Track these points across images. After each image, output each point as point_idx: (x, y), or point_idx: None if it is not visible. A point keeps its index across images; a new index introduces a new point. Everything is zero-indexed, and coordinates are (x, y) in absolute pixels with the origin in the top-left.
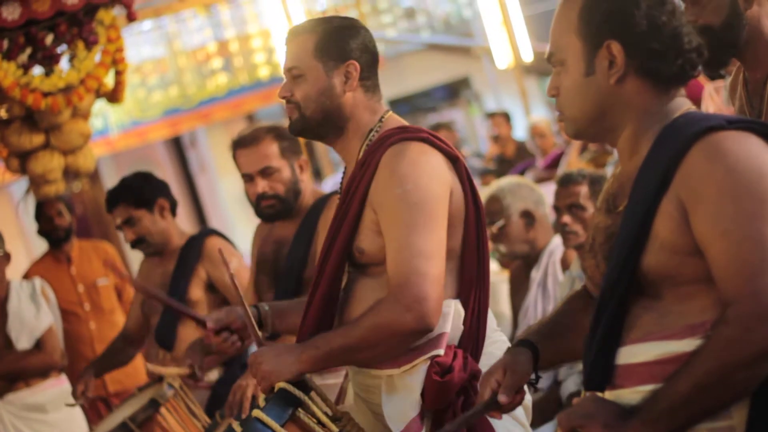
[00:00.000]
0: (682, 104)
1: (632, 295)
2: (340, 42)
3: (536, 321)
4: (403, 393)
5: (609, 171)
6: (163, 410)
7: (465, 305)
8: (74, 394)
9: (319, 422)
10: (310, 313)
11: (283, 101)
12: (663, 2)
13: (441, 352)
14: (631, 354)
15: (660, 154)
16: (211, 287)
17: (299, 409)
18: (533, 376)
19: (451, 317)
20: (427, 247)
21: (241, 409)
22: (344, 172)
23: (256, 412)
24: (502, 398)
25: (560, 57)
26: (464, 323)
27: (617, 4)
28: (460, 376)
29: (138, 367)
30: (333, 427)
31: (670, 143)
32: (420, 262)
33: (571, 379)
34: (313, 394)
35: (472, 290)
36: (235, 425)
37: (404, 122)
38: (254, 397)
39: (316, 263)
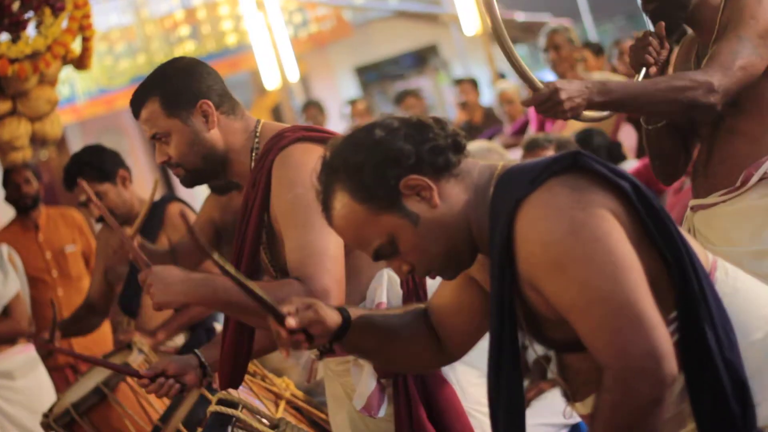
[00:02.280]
0: (481, 172)
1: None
2: (184, 89)
3: None
4: (365, 370)
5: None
6: None
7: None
8: (38, 345)
9: None
10: (230, 328)
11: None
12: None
13: None
14: (587, 407)
15: (494, 241)
16: (171, 250)
17: (236, 426)
18: (327, 344)
19: (385, 287)
20: (326, 244)
21: (213, 380)
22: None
23: None
24: (291, 321)
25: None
26: (402, 287)
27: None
28: None
29: (106, 335)
30: None
31: (496, 229)
32: (320, 258)
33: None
34: (243, 410)
35: None
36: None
37: (279, 126)
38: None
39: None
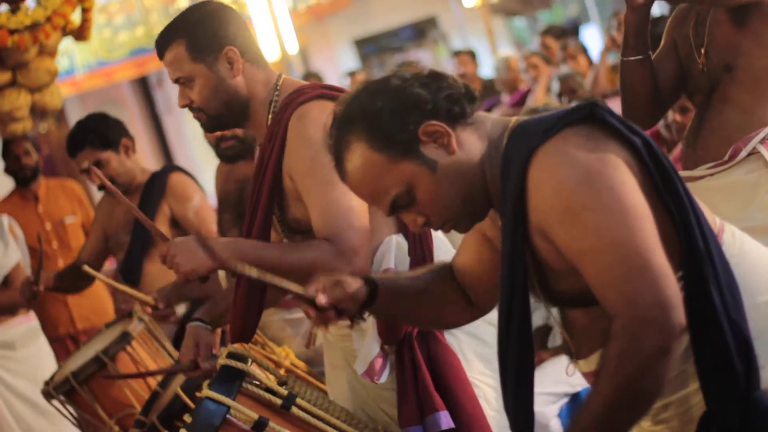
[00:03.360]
0: (495, 125)
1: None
2: (209, 35)
3: None
4: (368, 335)
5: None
6: (134, 343)
7: (407, 237)
8: (23, 290)
9: (267, 388)
10: (241, 281)
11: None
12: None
13: None
14: (590, 364)
15: (507, 193)
16: (174, 223)
17: (245, 381)
18: (359, 313)
19: (393, 253)
20: (349, 202)
21: (213, 345)
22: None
23: (205, 392)
24: (321, 299)
25: (402, 187)
26: (409, 254)
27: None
28: None
29: (106, 305)
30: (282, 391)
31: (509, 178)
32: (346, 215)
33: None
34: (253, 364)
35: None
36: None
37: (299, 82)
38: (224, 333)
39: (243, 232)
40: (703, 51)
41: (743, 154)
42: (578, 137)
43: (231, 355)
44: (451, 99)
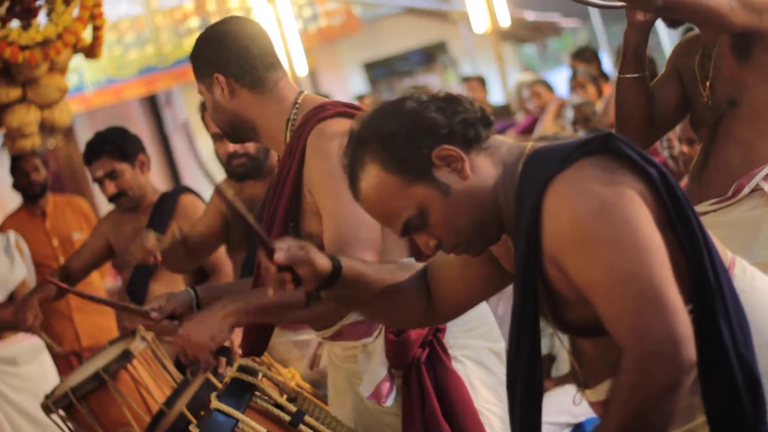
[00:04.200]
0: (510, 150)
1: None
2: (201, 60)
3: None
4: (374, 357)
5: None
6: (135, 361)
7: (419, 260)
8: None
9: (277, 404)
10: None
11: None
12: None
13: None
14: (597, 394)
15: (521, 221)
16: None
17: (255, 395)
18: (314, 290)
19: None
20: (361, 217)
21: (218, 364)
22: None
23: (215, 404)
24: (279, 255)
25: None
26: None
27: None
28: (417, 332)
29: (111, 323)
30: (290, 407)
31: (523, 205)
32: (356, 230)
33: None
34: (263, 379)
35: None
36: (214, 400)
37: (321, 99)
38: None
39: (255, 261)
40: (708, 84)
41: (746, 190)
42: (594, 168)
43: (242, 369)
44: (467, 123)
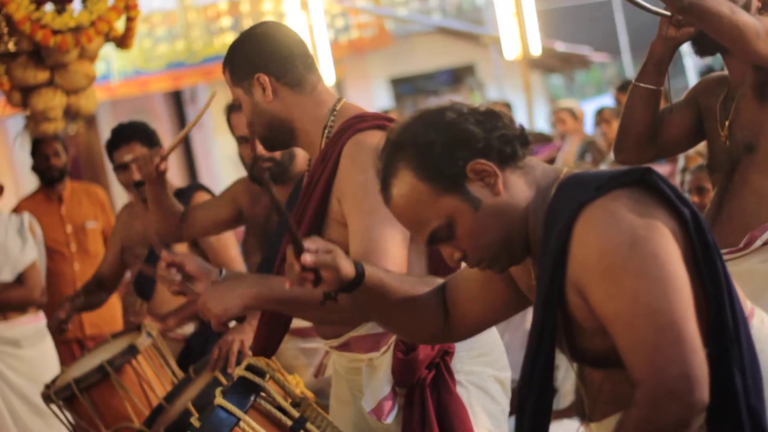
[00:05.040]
0: (545, 173)
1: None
2: (241, 60)
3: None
4: (379, 373)
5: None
6: (140, 357)
7: None
8: (52, 323)
9: (280, 408)
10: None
11: None
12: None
13: None
14: (601, 429)
15: (549, 243)
16: (194, 242)
17: (260, 395)
18: (333, 292)
19: None
20: (390, 232)
21: (227, 364)
22: (309, 164)
23: (219, 400)
24: (306, 257)
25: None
26: None
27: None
28: (426, 352)
29: (116, 313)
30: (294, 412)
31: (553, 229)
32: (384, 245)
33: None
34: (270, 381)
35: (440, 269)
36: (218, 396)
37: (360, 108)
38: (240, 353)
39: (279, 251)
40: (727, 124)
41: (758, 243)
42: (628, 200)
43: (250, 368)
44: (504, 140)
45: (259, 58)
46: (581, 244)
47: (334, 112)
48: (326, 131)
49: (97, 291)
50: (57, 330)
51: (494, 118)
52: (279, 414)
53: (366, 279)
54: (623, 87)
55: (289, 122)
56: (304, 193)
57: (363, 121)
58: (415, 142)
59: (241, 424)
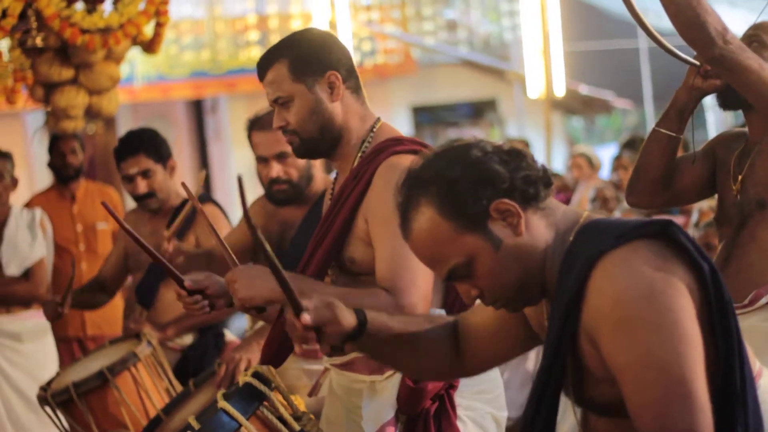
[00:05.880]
0: (565, 216)
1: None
2: (314, 57)
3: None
4: (382, 397)
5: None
6: (139, 365)
7: (449, 314)
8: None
9: (282, 419)
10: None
11: None
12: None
13: None
14: None
15: (564, 288)
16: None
17: (264, 404)
18: (339, 343)
19: None
20: (418, 261)
21: (233, 382)
22: (335, 180)
23: (222, 403)
24: (306, 317)
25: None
26: None
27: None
28: (434, 384)
29: (118, 315)
30: (295, 425)
31: (569, 274)
32: (413, 273)
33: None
34: (275, 391)
35: (456, 302)
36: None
37: (397, 131)
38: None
39: (299, 266)
40: (740, 178)
41: (763, 301)
42: (648, 252)
43: (257, 375)
44: (528, 180)
45: (332, 55)
46: (597, 292)
47: (373, 131)
48: (363, 147)
49: (95, 291)
50: (54, 314)
51: (518, 158)
52: (280, 425)
53: (368, 326)
54: (629, 144)
55: (341, 128)
56: (331, 208)
57: (399, 144)
58: (440, 178)
59: (242, 430)
